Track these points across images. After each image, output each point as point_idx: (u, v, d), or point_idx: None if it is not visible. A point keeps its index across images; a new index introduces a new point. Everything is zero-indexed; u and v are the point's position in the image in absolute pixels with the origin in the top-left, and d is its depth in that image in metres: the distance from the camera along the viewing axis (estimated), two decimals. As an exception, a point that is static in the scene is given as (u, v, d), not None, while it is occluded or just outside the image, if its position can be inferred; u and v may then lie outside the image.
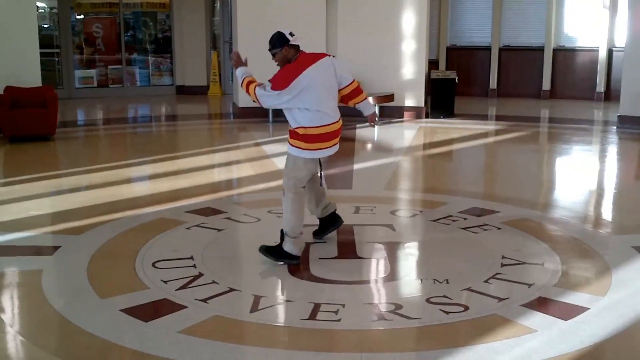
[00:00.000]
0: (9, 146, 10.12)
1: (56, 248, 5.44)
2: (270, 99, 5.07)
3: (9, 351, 3.87)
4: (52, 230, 6.09)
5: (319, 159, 5.27)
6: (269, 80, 5.05)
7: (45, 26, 16.60)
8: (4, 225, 6.06)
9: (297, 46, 5.20)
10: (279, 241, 5.23)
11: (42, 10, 16.63)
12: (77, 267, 4.97)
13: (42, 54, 11.85)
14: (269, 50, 5.17)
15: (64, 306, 4.34)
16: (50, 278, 4.85)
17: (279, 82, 5.01)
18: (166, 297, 4.43)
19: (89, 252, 5.28)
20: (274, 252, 5.09)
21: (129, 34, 17.44)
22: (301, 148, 5.05)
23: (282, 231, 5.19)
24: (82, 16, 17.27)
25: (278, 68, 5.20)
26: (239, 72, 5.40)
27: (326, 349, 3.86)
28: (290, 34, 5.19)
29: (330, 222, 5.57)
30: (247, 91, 5.21)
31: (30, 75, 11.01)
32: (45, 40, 15.30)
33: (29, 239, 5.75)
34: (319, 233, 5.58)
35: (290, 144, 5.10)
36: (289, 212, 5.10)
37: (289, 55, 5.13)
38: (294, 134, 5.08)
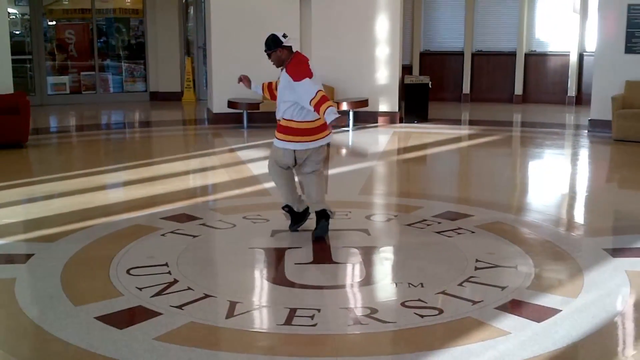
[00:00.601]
0: (-19, 153, 10.01)
1: (29, 256, 5.39)
2: (312, 86, 5.45)
3: (-18, 360, 3.84)
4: (25, 238, 6.04)
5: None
6: (295, 80, 5.45)
7: (17, 32, 16.44)
8: (-25, 234, 6.00)
9: (290, 47, 5.61)
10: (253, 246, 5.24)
11: (14, 17, 16.48)
12: (51, 275, 4.93)
13: (14, 61, 11.74)
14: (265, 50, 5.60)
15: (38, 314, 4.30)
16: (24, 286, 4.81)
17: (307, 71, 5.49)
18: (141, 304, 4.41)
19: (62, 260, 5.24)
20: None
21: (101, 40, 17.33)
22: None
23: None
24: (54, 22, 17.14)
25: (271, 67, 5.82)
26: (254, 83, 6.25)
27: (303, 354, 3.87)
28: (284, 35, 5.58)
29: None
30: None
31: (1, 82, 10.88)
32: (17, 47, 15.15)
33: (2, 246, 5.69)
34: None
35: (277, 137, 5.73)
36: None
37: (282, 56, 5.56)
38: (285, 128, 5.67)
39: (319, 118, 5.48)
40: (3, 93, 10.65)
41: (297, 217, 5.99)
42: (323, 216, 5.78)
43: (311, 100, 5.35)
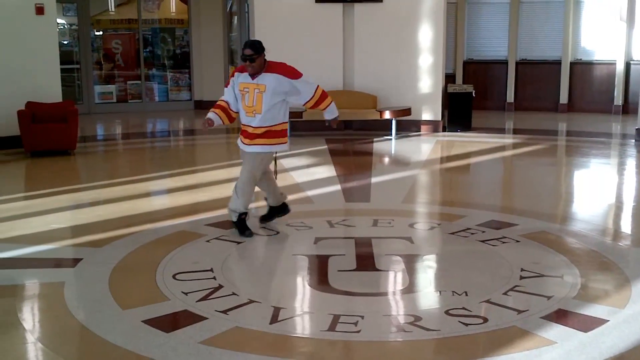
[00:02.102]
0: (30, 160, 10.25)
1: (78, 260, 5.50)
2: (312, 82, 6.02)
3: (32, 361, 3.93)
4: (73, 243, 6.18)
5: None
6: (293, 78, 5.80)
7: (65, 42, 16.80)
8: (26, 238, 6.14)
9: None
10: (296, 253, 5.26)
11: (62, 27, 16.84)
12: (99, 279, 5.03)
13: (62, 70, 12.02)
14: (252, 54, 5.64)
15: (86, 317, 4.39)
16: (73, 289, 4.91)
17: (294, 70, 5.87)
18: (187, 308, 4.47)
19: (110, 265, 5.34)
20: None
21: (147, 49, 17.62)
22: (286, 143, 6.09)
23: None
24: (101, 32, 17.48)
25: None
26: (209, 114, 6.08)
27: (346, 360, 3.89)
28: None
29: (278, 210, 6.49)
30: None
31: (51, 91, 11.16)
32: (66, 56, 15.48)
33: (51, 251, 5.83)
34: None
35: (265, 144, 5.90)
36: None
37: (262, 62, 5.74)
38: (274, 132, 5.92)
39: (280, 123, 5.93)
40: (52, 102, 10.91)
41: (275, 210, 6.48)
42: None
43: (312, 96, 5.90)
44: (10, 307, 4.60)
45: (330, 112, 6.17)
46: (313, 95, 5.91)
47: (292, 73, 5.79)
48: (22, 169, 9.98)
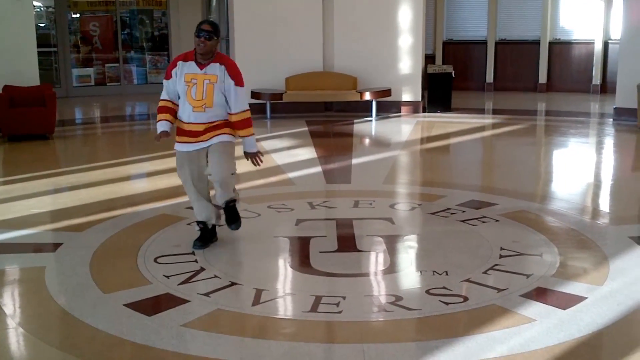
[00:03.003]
0: (8, 145, 10.15)
1: (58, 245, 5.48)
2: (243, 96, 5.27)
3: (14, 346, 3.92)
4: (53, 227, 6.14)
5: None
6: (237, 84, 5.09)
7: (42, 25, 16.60)
8: (6, 223, 6.10)
9: None
10: (278, 235, 5.27)
11: (39, 10, 16.64)
12: (80, 263, 5.01)
13: (39, 53, 11.89)
14: (210, 31, 4.97)
15: (68, 302, 4.38)
16: (54, 274, 4.90)
17: (241, 76, 5.19)
18: (168, 291, 4.48)
19: (91, 249, 5.32)
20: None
21: (125, 32, 17.45)
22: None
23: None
24: (78, 15, 17.28)
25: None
26: (160, 125, 5.24)
27: (328, 341, 3.92)
28: None
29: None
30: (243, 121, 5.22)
31: (28, 74, 11.04)
32: (43, 39, 15.32)
33: (31, 236, 5.79)
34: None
35: (228, 133, 5.19)
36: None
37: (215, 47, 5.09)
38: (228, 124, 5.20)
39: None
40: (29, 85, 10.79)
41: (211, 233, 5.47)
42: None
43: (240, 112, 5.13)
44: (-9, 292, 4.58)
45: (250, 145, 5.32)
46: (239, 113, 5.12)
47: (237, 76, 5.09)
48: (0, 153, 9.88)
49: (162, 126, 5.17)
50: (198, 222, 5.33)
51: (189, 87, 5.03)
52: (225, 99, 5.09)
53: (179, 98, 5.16)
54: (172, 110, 5.20)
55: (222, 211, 5.40)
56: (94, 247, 5.36)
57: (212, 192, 5.42)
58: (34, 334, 3.99)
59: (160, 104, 5.23)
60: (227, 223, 5.39)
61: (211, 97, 5.03)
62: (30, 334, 4.00)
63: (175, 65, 5.11)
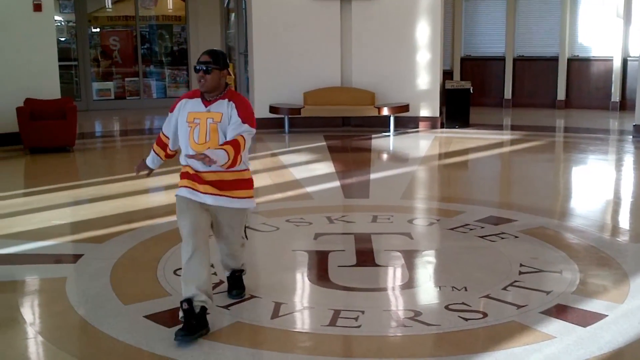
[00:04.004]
0: (30, 157, 10.26)
1: (79, 256, 5.53)
2: (249, 139, 4.21)
3: (34, 355, 3.96)
4: (74, 239, 6.20)
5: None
6: (244, 121, 4.11)
7: (63, 39, 16.78)
8: (27, 235, 6.16)
9: None
10: (296, 249, 5.25)
11: (60, 24, 16.82)
12: (100, 275, 5.05)
13: (60, 67, 12.01)
14: (208, 62, 4.11)
15: (88, 312, 4.41)
16: (74, 285, 4.93)
17: (252, 118, 4.20)
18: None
19: (111, 261, 5.37)
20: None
21: (145, 46, 17.61)
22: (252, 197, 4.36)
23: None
24: (98, 29, 17.47)
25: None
26: (150, 159, 4.58)
27: (347, 355, 3.93)
28: None
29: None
30: (231, 154, 4.03)
31: (49, 88, 11.16)
32: (64, 53, 15.49)
33: (52, 247, 5.85)
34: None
35: (244, 197, 4.27)
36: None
37: (222, 82, 4.18)
38: (245, 182, 4.29)
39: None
40: (51, 98, 10.91)
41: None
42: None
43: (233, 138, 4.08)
44: (13, 302, 4.63)
45: (214, 155, 3.95)
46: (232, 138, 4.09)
47: (248, 117, 4.15)
48: (22, 165, 9.98)
49: (149, 159, 4.55)
50: (182, 303, 3.97)
51: (191, 129, 4.14)
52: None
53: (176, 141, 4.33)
54: (164, 146, 4.47)
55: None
56: (114, 259, 5.41)
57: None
58: (55, 344, 4.02)
59: (160, 136, 4.49)
60: (228, 290, 4.58)
61: (216, 141, 4.08)
62: (51, 343, 4.03)
63: (179, 102, 4.30)
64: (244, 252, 4.60)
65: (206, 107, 4.17)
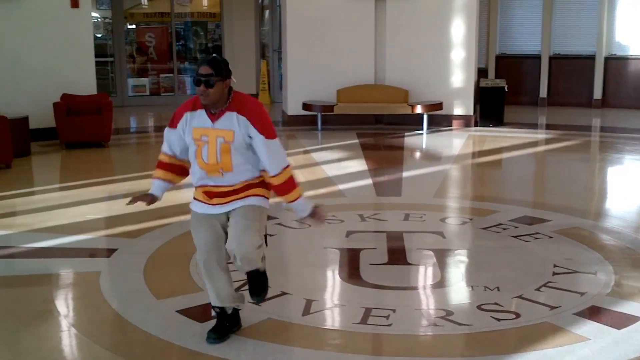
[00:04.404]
0: (66, 152, 10.40)
1: (113, 251, 5.60)
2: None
3: (68, 347, 4.02)
4: (108, 233, 6.28)
5: None
6: (268, 137, 3.74)
7: (99, 35, 16.97)
8: (63, 228, 6.25)
9: None
10: (328, 246, 5.24)
11: (97, 20, 17.01)
12: (134, 269, 5.11)
13: (96, 63, 12.14)
14: (210, 75, 3.65)
15: (122, 306, 4.46)
16: (108, 279, 5.00)
17: (271, 125, 3.83)
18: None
19: (144, 255, 5.42)
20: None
21: (180, 43, 17.73)
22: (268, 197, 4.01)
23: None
24: (134, 26, 17.63)
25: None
26: (156, 189, 4.09)
27: (377, 353, 3.93)
28: None
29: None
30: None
31: (85, 83, 11.29)
32: (100, 50, 15.64)
33: (87, 241, 5.93)
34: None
35: (258, 194, 3.91)
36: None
37: (225, 91, 3.72)
38: (260, 184, 3.92)
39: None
40: (87, 94, 11.04)
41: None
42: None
43: (281, 172, 3.80)
44: (48, 295, 4.70)
45: (301, 209, 3.92)
46: (279, 174, 3.80)
47: (265, 127, 3.74)
48: (58, 160, 10.12)
49: (153, 188, 4.02)
50: (213, 308, 4.00)
51: (199, 147, 3.74)
52: (252, 153, 3.80)
53: (187, 151, 3.88)
54: (174, 168, 3.96)
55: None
56: (147, 254, 5.46)
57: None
58: (88, 337, 4.08)
59: (160, 158, 3.99)
60: (250, 292, 4.08)
61: (229, 161, 3.73)
62: (85, 336, 4.09)
63: (182, 116, 3.81)
64: (262, 257, 3.93)
65: (213, 122, 3.72)
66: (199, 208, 3.92)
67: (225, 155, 3.71)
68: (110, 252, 5.60)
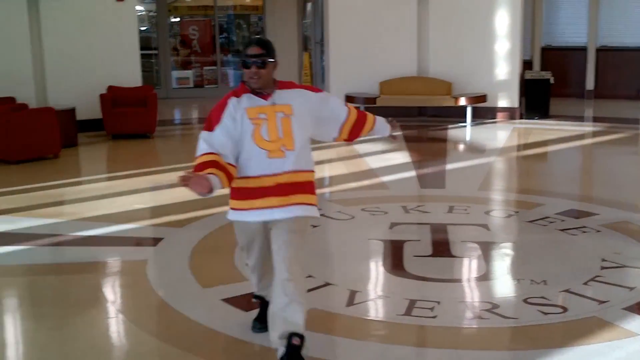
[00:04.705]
0: (112, 143, 10.56)
1: (159, 240, 5.67)
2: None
3: (115, 333, 4.09)
4: (154, 223, 6.37)
5: None
6: (321, 91, 3.74)
7: (144, 29, 17.15)
8: (110, 217, 6.35)
9: None
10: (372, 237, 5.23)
11: (141, 14, 17.20)
12: (180, 258, 5.17)
13: (141, 56, 12.28)
14: (262, 54, 3.45)
15: (168, 294, 4.52)
16: (154, 267, 5.06)
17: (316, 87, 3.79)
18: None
19: (190, 245, 5.48)
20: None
21: (223, 35, 17.85)
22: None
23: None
24: (178, 19, 17.79)
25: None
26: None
27: (421, 345, 3.91)
28: None
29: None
30: None
31: (131, 76, 11.45)
32: (144, 42, 15.82)
33: (133, 230, 6.02)
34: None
35: (308, 203, 3.60)
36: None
37: (274, 73, 3.55)
38: (309, 185, 3.66)
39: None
40: (132, 86, 11.19)
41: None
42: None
43: (348, 115, 3.75)
44: (96, 283, 4.79)
45: (383, 127, 3.99)
46: (349, 111, 3.75)
47: (314, 89, 3.71)
48: (104, 151, 10.28)
49: (212, 179, 3.25)
50: (254, 297, 3.90)
51: (257, 126, 3.44)
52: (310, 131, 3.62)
53: (234, 158, 3.43)
54: (221, 167, 3.34)
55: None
56: (193, 243, 5.52)
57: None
58: (135, 323, 4.14)
59: (206, 159, 3.36)
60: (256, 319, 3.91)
61: (290, 135, 3.48)
62: (131, 322, 4.16)
63: (226, 105, 3.49)
64: (305, 287, 3.57)
65: (267, 99, 3.50)
66: (249, 216, 3.54)
67: (287, 129, 3.47)
68: (156, 241, 5.68)
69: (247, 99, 3.50)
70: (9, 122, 8.66)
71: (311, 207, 3.59)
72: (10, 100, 9.81)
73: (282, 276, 3.40)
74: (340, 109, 3.76)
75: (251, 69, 3.44)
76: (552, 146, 10.50)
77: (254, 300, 3.94)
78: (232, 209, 3.58)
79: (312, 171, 3.67)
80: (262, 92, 3.51)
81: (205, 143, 3.42)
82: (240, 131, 3.43)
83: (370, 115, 3.91)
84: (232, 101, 3.49)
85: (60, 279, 4.89)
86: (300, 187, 3.54)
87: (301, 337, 3.37)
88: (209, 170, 3.29)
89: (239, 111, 3.45)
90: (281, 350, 3.38)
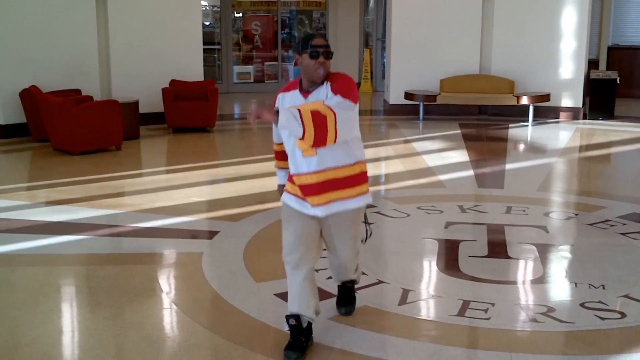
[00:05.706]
0: (173, 136, 10.73)
1: (214, 233, 5.73)
2: (345, 114, 3.49)
3: (169, 324, 4.15)
4: (210, 216, 6.43)
5: None
6: (336, 93, 3.49)
7: (207, 24, 17.37)
8: (167, 210, 6.45)
9: None
10: (426, 236, 5.19)
11: (205, 9, 17.42)
12: (235, 252, 5.22)
13: (204, 50, 12.45)
14: (327, 46, 3.58)
15: (222, 287, 4.57)
16: (209, 260, 5.12)
17: (349, 90, 3.54)
18: (318, 285, 4.54)
19: (245, 239, 5.53)
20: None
21: (285, 31, 17.94)
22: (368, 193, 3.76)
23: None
24: (241, 14, 17.96)
25: None
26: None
27: (474, 346, 3.85)
28: None
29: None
30: (319, 121, 3.35)
31: (193, 70, 11.63)
32: (207, 37, 16.02)
33: (190, 223, 6.10)
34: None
35: (357, 194, 3.67)
36: None
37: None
38: (358, 177, 3.67)
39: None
40: (194, 80, 11.34)
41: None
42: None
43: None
44: (152, 273, 4.87)
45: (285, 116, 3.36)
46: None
47: (343, 88, 3.51)
48: (165, 144, 10.45)
49: (279, 178, 3.96)
50: (288, 318, 3.67)
51: None
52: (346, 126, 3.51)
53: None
54: (284, 156, 3.78)
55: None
56: (247, 237, 5.57)
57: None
58: (189, 315, 4.19)
59: (274, 148, 3.95)
60: (337, 303, 4.16)
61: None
62: (185, 314, 4.21)
63: (275, 101, 3.69)
64: (358, 262, 4.05)
65: (305, 97, 3.55)
66: (294, 204, 3.63)
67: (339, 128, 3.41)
68: (212, 234, 5.74)
69: (289, 98, 3.60)
70: (74, 114, 8.87)
71: (352, 201, 3.64)
72: (76, 92, 10.05)
73: (336, 261, 3.91)
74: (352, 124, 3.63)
75: (319, 59, 3.49)
76: (616, 148, 10.25)
77: (286, 326, 3.67)
78: (285, 192, 3.77)
79: (356, 163, 3.62)
80: (307, 89, 3.57)
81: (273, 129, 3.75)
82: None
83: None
84: (279, 97, 3.66)
85: (117, 269, 4.99)
86: (337, 184, 3.57)
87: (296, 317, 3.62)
88: (277, 164, 3.97)
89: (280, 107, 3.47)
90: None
